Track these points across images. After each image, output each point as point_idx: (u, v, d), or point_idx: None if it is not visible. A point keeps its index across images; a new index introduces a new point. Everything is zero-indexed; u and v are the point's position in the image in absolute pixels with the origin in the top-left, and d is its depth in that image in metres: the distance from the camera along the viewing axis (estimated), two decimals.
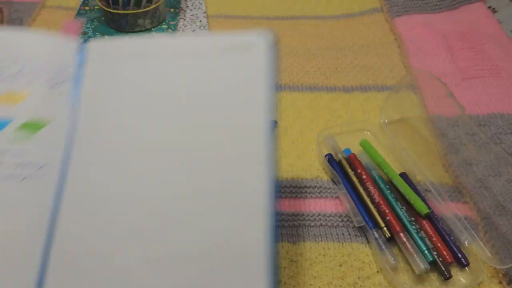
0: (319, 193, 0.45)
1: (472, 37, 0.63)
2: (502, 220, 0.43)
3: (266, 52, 0.33)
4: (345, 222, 0.43)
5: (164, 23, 0.63)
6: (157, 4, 0.61)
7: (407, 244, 0.39)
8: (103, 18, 0.63)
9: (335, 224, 0.43)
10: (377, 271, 0.39)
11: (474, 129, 0.51)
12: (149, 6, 0.60)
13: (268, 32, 0.34)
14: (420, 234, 0.40)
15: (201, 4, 0.69)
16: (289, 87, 0.57)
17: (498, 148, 0.49)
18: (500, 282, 0.39)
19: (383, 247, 0.40)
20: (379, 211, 0.42)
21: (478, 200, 0.44)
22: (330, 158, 0.47)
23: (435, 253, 0.39)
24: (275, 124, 0.43)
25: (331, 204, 0.45)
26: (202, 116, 0.32)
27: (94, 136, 0.32)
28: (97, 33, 0.60)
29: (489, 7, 0.73)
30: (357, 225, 0.42)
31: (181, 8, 0.68)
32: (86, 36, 0.60)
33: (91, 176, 0.31)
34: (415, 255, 0.39)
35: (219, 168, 0.31)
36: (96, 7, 0.66)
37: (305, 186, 0.46)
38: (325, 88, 0.57)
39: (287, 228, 0.43)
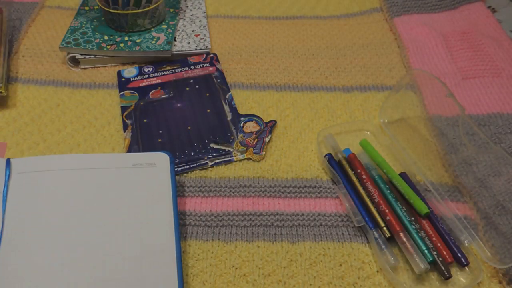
0: (319, 193, 0.45)
1: (472, 37, 0.63)
2: (502, 220, 0.43)
3: (167, 167, 0.42)
4: (345, 222, 0.43)
5: (163, 23, 0.63)
6: (156, 4, 0.61)
7: (407, 244, 0.39)
8: (102, 18, 0.63)
9: (335, 224, 0.43)
10: (377, 271, 0.39)
11: (474, 129, 0.51)
12: (148, 6, 0.60)
13: (166, 154, 0.43)
14: (420, 234, 0.40)
15: (201, 4, 0.69)
16: (289, 87, 0.57)
17: (498, 148, 0.49)
18: (500, 282, 0.39)
19: (383, 247, 0.40)
20: (379, 211, 0.42)
21: (478, 200, 0.44)
22: (330, 158, 0.47)
23: (435, 253, 0.39)
24: (274, 123, 0.45)
25: (331, 204, 0.45)
26: (116, 218, 0.39)
27: (18, 241, 0.37)
28: (97, 33, 0.60)
29: (489, 7, 0.73)
30: (357, 225, 0.42)
31: (181, 8, 0.68)
32: (86, 36, 0.60)
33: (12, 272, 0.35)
34: (415, 255, 0.39)
35: (129, 260, 0.37)
36: (95, 7, 0.66)
37: (305, 186, 0.46)
38: (325, 88, 0.57)
39: (287, 228, 0.43)
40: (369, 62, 0.61)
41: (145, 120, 0.51)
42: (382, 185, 0.44)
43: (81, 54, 0.58)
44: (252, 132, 0.50)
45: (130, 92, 0.54)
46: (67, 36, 0.60)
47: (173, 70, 0.57)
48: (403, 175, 0.46)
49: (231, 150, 0.48)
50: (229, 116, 0.52)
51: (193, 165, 0.47)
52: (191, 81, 0.56)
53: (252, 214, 0.44)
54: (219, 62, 0.59)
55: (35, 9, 0.67)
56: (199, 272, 0.39)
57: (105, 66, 0.59)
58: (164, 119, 0.51)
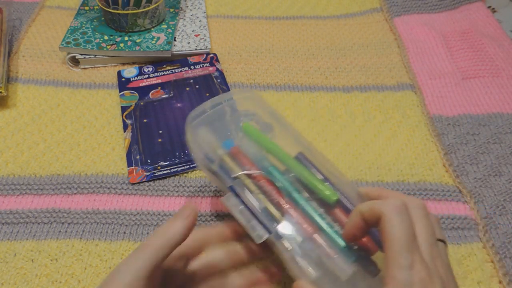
0: None
1: (472, 37, 0.63)
2: (502, 220, 0.43)
3: None
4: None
5: (163, 23, 0.63)
6: (156, 4, 0.60)
7: (325, 247, 0.31)
8: (102, 18, 0.63)
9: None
10: None
11: (474, 129, 0.51)
12: (148, 6, 0.60)
13: None
14: (335, 229, 0.33)
15: (201, 4, 0.69)
16: (289, 87, 0.57)
17: (498, 148, 0.49)
18: (500, 282, 0.39)
19: (299, 258, 0.31)
20: (282, 214, 0.33)
21: (478, 200, 0.44)
22: (207, 161, 0.36)
23: (356, 247, 0.32)
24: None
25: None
26: None
27: None
28: (96, 33, 0.60)
29: (489, 7, 0.73)
30: (258, 242, 0.32)
31: (181, 8, 0.68)
32: (86, 36, 0.60)
33: None
34: (338, 259, 0.31)
35: None
36: (95, 7, 0.66)
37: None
38: (325, 88, 0.57)
39: None
40: (369, 62, 0.61)
41: (145, 120, 0.51)
42: (279, 176, 0.35)
43: (81, 54, 0.58)
44: None
45: (130, 92, 0.54)
46: (67, 36, 0.60)
47: (173, 70, 0.57)
48: (300, 157, 0.37)
49: None
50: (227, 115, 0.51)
51: (193, 165, 0.47)
52: (191, 81, 0.56)
53: None
54: (219, 62, 0.59)
55: (35, 9, 0.67)
56: None
57: (105, 66, 0.59)
58: (164, 119, 0.51)
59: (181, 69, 0.57)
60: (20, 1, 0.69)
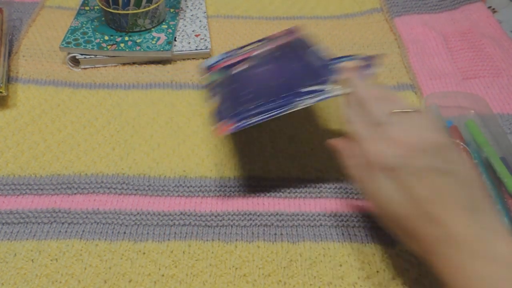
0: (319, 193, 0.45)
1: (472, 37, 0.63)
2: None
3: None
4: (345, 222, 0.43)
5: (164, 23, 0.63)
6: (157, 4, 0.61)
7: None
8: (103, 18, 0.63)
9: (334, 224, 0.43)
10: (377, 271, 0.39)
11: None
12: (149, 6, 0.60)
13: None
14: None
15: (201, 4, 0.69)
16: None
17: (498, 149, 0.49)
18: None
19: None
20: None
21: None
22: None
23: None
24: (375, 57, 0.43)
25: (331, 204, 0.45)
26: None
27: None
28: (97, 33, 0.60)
29: (489, 7, 0.72)
30: None
31: (181, 8, 0.68)
32: (86, 36, 0.60)
33: None
34: None
35: None
36: (96, 7, 0.66)
37: (305, 186, 0.46)
38: None
39: (287, 228, 0.43)
40: None
41: (231, 87, 0.49)
42: (479, 162, 0.45)
43: (82, 54, 0.58)
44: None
45: (211, 73, 0.54)
46: (67, 36, 0.60)
47: (254, 47, 0.56)
48: (503, 158, 0.46)
49: (325, 88, 0.42)
50: (317, 63, 0.48)
51: (281, 110, 0.41)
52: (274, 50, 0.54)
53: (252, 214, 0.44)
54: (301, 31, 0.55)
55: (36, 9, 0.67)
56: (199, 272, 0.39)
57: (105, 66, 0.59)
58: (249, 83, 0.49)
59: (262, 42, 0.56)
60: (21, 1, 0.69)
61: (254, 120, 0.41)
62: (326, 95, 0.41)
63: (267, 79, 0.49)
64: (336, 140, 0.42)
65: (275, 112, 0.41)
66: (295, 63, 0.49)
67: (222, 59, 0.56)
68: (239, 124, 0.41)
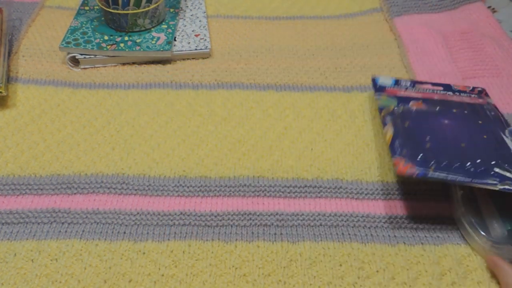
0: (319, 193, 0.45)
1: (472, 37, 0.63)
2: None
3: None
4: (345, 222, 0.43)
5: (163, 23, 0.63)
6: (156, 4, 0.61)
7: None
8: (102, 18, 0.63)
9: (334, 224, 0.43)
10: (377, 271, 0.39)
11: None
12: (148, 6, 0.60)
13: None
14: None
15: (201, 4, 0.69)
16: (289, 87, 0.57)
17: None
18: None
19: None
20: None
21: None
22: None
23: None
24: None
25: (331, 204, 0.45)
26: None
27: None
28: (97, 33, 0.60)
29: (489, 7, 0.73)
30: None
31: (181, 8, 0.68)
32: (86, 36, 0.60)
33: None
34: None
35: None
36: (95, 7, 0.66)
37: (305, 186, 0.46)
38: (325, 88, 0.57)
39: (287, 228, 0.43)
40: (369, 62, 0.61)
41: (406, 124, 0.48)
42: None
43: (81, 54, 0.58)
44: None
45: (387, 96, 0.52)
46: (67, 36, 0.60)
47: (435, 91, 0.54)
48: None
49: None
50: None
51: (476, 181, 0.41)
52: (458, 105, 0.52)
53: (252, 214, 0.44)
54: (489, 97, 0.54)
55: (35, 9, 0.67)
56: (199, 272, 0.39)
57: (105, 66, 0.59)
58: (429, 128, 0.47)
59: (444, 92, 0.54)
60: (20, 1, 0.69)
61: (436, 176, 0.42)
62: None
63: (449, 135, 0.47)
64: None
65: (462, 180, 0.41)
66: (485, 132, 0.47)
67: (395, 84, 0.55)
68: (420, 172, 0.42)
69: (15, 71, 0.58)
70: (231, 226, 0.43)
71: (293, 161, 0.48)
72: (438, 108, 0.50)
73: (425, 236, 0.42)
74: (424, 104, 0.51)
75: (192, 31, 0.64)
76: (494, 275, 0.39)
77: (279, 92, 0.56)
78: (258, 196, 0.45)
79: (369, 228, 0.43)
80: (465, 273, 0.39)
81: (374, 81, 0.55)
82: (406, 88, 0.54)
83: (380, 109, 0.51)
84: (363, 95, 0.56)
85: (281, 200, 0.45)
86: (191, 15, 0.67)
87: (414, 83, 0.55)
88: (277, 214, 0.44)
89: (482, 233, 0.40)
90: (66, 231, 0.42)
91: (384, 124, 0.49)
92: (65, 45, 0.58)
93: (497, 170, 0.42)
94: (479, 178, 0.41)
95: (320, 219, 0.43)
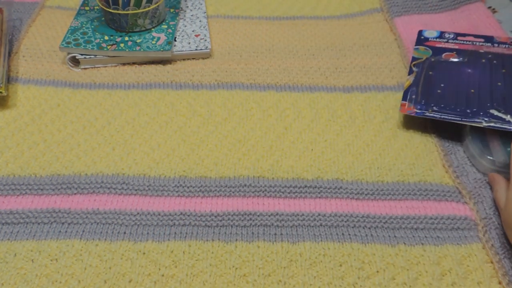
0: (319, 193, 0.45)
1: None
2: None
3: None
4: (345, 222, 0.43)
5: (164, 23, 0.63)
6: (157, 4, 0.61)
7: None
8: (103, 18, 0.63)
9: (335, 224, 0.43)
10: (377, 271, 0.39)
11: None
12: (149, 6, 0.60)
13: None
14: None
15: (201, 4, 0.69)
16: (289, 87, 0.57)
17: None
18: (500, 282, 0.39)
19: None
20: None
21: (477, 200, 0.44)
22: None
23: None
24: None
25: (331, 204, 0.45)
26: None
27: None
28: (97, 33, 0.60)
29: (489, 7, 0.72)
30: None
31: (181, 8, 0.68)
32: (86, 36, 0.60)
33: None
34: None
35: None
36: (96, 7, 0.66)
37: (305, 186, 0.46)
38: (325, 88, 0.57)
39: (287, 228, 0.43)
40: (369, 62, 0.61)
41: (430, 72, 0.54)
42: None
43: (81, 54, 0.58)
44: None
45: (425, 48, 0.58)
46: (67, 36, 0.60)
47: (474, 42, 0.58)
48: None
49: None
50: None
51: (465, 119, 0.48)
52: (490, 56, 0.56)
53: (252, 214, 0.44)
54: None
55: (35, 9, 0.67)
56: (199, 272, 0.39)
57: (105, 66, 0.59)
58: (449, 76, 0.53)
59: (483, 44, 0.58)
60: (20, 1, 0.69)
61: (431, 115, 0.49)
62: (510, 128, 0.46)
63: (463, 83, 0.52)
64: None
65: (457, 118, 0.48)
66: (502, 80, 0.52)
67: (439, 37, 0.59)
68: (418, 112, 0.49)
69: (15, 71, 0.58)
70: (231, 226, 0.43)
71: (293, 161, 0.48)
72: (467, 58, 0.55)
73: (425, 237, 0.42)
74: (457, 55, 0.56)
75: (192, 31, 0.64)
76: (494, 275, 0.39)
77: (279, 92, 0.56)
78: (258, 196, 0.45)
79: (369, 228, 0.43)
80: (465, 274, 0.39)
81: (420, 32, 0.60)
82: (447, 40, 0.59)
83: (413, 59, 0.56)
84: (363, 95, 0.56)
85: (281, 200, 0.45)
86: (191, 15, 0.67)
87: (457, 35, 0.59)
88: (277, 214, 0.44)
89: (488, 157, 0.46)
90: (66, 231, 0.42)
91: (409, 73, 0.55)
92: (65, 45, 0.58)
93: (492, 111, 0.48)
94: (468, 118, 0.48)
95: (320, 220, 0.43)
